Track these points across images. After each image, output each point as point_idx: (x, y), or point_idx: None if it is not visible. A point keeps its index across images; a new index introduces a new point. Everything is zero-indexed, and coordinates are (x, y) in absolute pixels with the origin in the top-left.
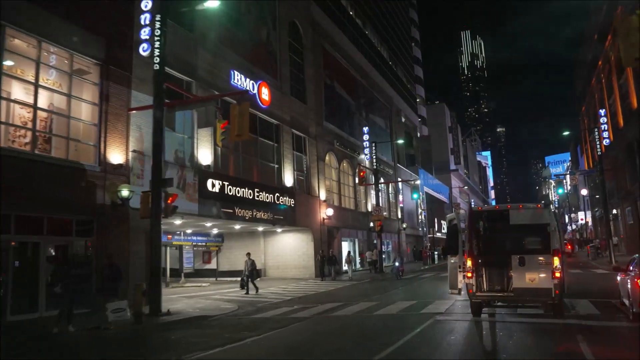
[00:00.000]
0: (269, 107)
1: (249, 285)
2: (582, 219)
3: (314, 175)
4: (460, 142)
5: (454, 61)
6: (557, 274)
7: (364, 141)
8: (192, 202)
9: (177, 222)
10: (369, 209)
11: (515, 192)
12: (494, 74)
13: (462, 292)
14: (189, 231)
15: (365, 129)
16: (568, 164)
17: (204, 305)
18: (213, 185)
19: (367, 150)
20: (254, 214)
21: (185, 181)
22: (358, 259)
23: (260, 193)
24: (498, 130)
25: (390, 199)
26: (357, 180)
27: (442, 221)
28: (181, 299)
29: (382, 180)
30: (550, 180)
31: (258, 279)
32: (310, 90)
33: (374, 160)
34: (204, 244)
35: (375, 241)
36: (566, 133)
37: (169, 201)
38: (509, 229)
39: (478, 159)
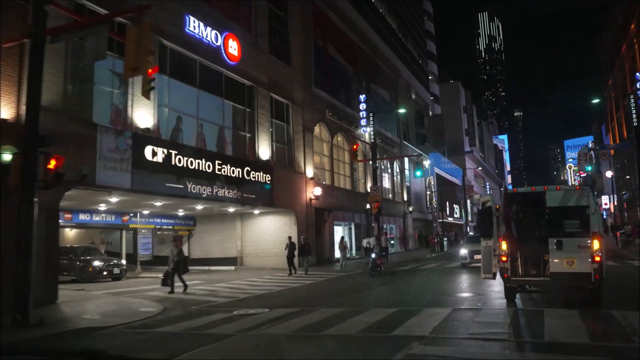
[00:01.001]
0: (238, 64)
1: (179, 281)
2: (605, 204)
3: (299, 149)
4: (476, 123)
5: (471, 44)
6: (597, 258)
7: (361, 111)
8: (122, 173)
9: (113, 199)
10: (369, 189)
11: (532, 178)
12: (512, 58)
13: (497, 277)
14: (145, 212)
15: (362, 97)
16: (590, 145)
17: (115, 308)
18: (154, 154)
19: (364, 121)
20: (215, 191)
21: (111, 147)
22: (354, 245)
23: (224, 166)
24: (515, 114)
25: (396, 180)
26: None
27: (454, 205)
28: (104, 296)
29: (384, 157)
30: (570, 164)
31: (187, 272)
32: (296, 50)
33: (372, 133)
34: (170, 227)
35: (373, 225)
36: (596, 101)
37: (50, 166)
38: (546, 211)
39: (494, 142)
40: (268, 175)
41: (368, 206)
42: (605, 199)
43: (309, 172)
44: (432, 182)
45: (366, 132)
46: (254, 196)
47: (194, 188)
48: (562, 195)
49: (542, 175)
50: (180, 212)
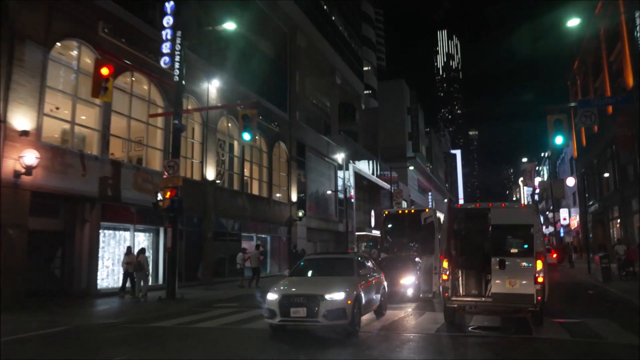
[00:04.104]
0: None
1: None
2: (564, 219)
3: None
4: (423, 129)
5: (430, 61)
6: (540, 279)
7: (165, 28)
8: None
9: None
10: (211, 175)
11: (485, 196)
12: (469, 76)
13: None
14: None
15: (170, 5)
16: (547, 153)
17: None
18: None
19: (166, 46)
20: None
21: None
22: (162, 264)
23: None
24: (470, 133)
25: (279, 170)
26: (105, 89)
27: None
28: None
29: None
30: (522, 179)
31: None
32: None
33: (178, 65)
34: None
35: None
36: (574, 22)
37: None
38: (490, 229)
39: (446, 157)
40: None
41: (160, 197)
42: (564, 213)
43: (21, 122)
44: (347, 183)
45: (167, 63)
46: None
47: None
48: (506, 213)
49: (494, 193)
50: None
